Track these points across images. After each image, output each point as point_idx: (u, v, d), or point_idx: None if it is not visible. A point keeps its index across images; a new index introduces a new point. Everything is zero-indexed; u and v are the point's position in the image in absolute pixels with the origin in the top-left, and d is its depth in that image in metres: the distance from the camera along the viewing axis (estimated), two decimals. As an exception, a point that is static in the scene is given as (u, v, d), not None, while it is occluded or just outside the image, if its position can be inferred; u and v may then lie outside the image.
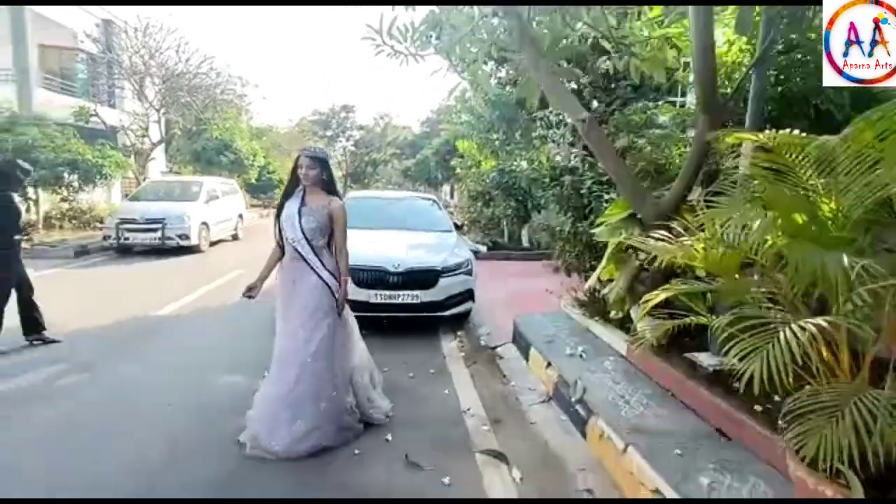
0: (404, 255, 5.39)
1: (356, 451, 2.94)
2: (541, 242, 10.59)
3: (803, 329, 1.35)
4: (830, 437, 1.35)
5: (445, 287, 5.33)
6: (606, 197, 4.59)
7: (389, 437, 3.12)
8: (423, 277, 5.25)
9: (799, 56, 4.08)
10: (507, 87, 9.70)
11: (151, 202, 10.93)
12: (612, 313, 4.05)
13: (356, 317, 5.23)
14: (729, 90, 4.12)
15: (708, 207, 1.96)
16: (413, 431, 3.20)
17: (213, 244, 11.68)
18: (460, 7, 4.29)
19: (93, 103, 15.01)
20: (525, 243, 11.15)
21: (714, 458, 2.53)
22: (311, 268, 3.07)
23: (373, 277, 5.16)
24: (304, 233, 3.05)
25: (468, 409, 3.59)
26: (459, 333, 5.39)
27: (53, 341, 4.59)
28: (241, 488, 2.55)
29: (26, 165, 4.51)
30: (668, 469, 2.42)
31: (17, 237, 4.34)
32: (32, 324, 4.50)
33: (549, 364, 3.99)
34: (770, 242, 1.58)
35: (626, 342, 4.02)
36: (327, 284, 3.08)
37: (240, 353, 4.56)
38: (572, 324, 4.96)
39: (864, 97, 3.70)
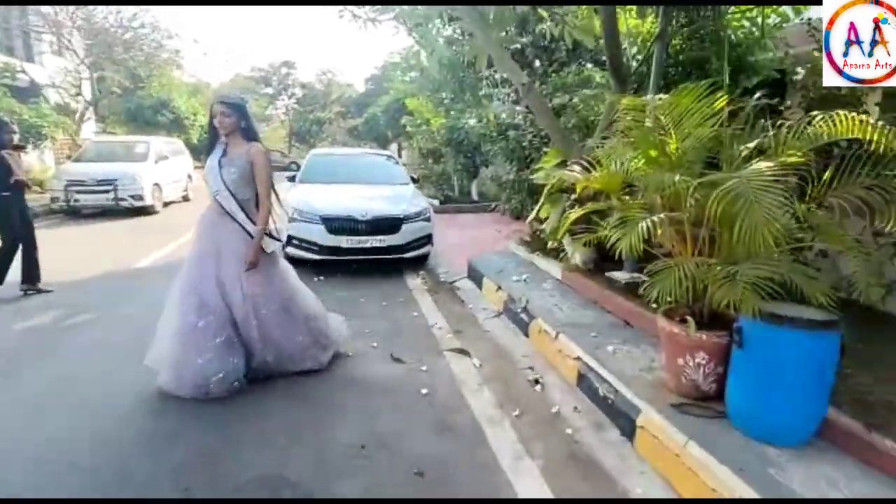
0: (370, 205, 6.02)
1: (349, 354, 3.67)
2: (488, 195, 11.44)
3: (654, 221, 2.21)
4: (667, 283, 2.23)
5: (408, 232, 6.04)
6: (545, 149, 5.39)
7: (375, 344, 3.87)
8: (389, 224, 5.92)
9: (698, 29, 4.94)
10: (454, 47, 10.18)
11: (99, 163, 10.75)
12: (549, 244, 4.93)
13: (331, 261, 5.90)
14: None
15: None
16: (393, 340, 3.97)
17: (165, 205, 11.69)
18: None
19: (14, 59, 14.06)
20: (475, 196, 11.95)
21: (619, 337, 3.49)
22: (239, 224, 2.99)
23: (344, 225, 5.78)
24: (226, 185, 2.96)
25: (435, 324, 4.40)
26: (421, 273, 6.16)
27: (46, 291, 4.95)
28: (256, 389, 3.20)
29: (13, 126, 4.73)
30: (586, 344, 3.34)
31: (5, 193, 4.61)
32: (30, 274, 4.84)
33: (499, 288, 4.85)
34: (635, 168, 2.42)
35: (561, 268, 4.95)
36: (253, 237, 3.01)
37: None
38: (518, 259, 5.85)
39: (746, 68, 4.64)
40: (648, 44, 4.61)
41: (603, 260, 4.83)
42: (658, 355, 3.10)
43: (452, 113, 11.87)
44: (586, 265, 4.83)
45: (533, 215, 4.91)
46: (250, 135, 3.06)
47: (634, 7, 4.80)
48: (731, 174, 2.05)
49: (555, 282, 4.92)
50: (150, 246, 7.19)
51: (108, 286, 5.37)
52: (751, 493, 1.93)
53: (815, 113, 2.31)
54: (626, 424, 2.63)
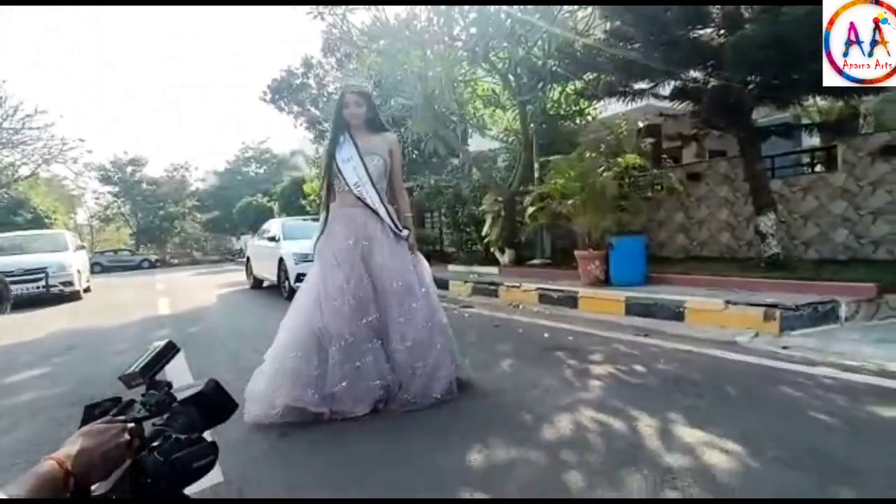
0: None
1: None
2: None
3: (573, 202, 5.40)
4: (581, 227, 5.39)
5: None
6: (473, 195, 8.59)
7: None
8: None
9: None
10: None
11: (23, 255, 10.90)
12: (490, 251, 7.97)
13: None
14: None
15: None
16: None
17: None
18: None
19: None
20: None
21: (548, 283, 6.54)
22: (381, 216, 2.77)
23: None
24: (370, 176, 2.75)
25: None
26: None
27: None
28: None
29: None
30: (537, 285, 6.31)
31: None
32: None
33: (465, 282, 7.63)
34: (560, 185, 5.69)
35: (498, 267, 7.98)
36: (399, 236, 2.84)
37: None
38: (459, 272, 8.73)
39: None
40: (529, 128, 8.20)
41: (519, 259, 8.03)
42: (566, 283, 6.22)
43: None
44: (511, 262, 7.96)
45: (486, 229, 7.89)
46: (378, 125, 2.93)
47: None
48: (598, 180, 5.36)
49: (495, 275, 7.91)
50: (132, 314, 8.27)
51: (173, 322, 6.71)
52: (621, 296, 5.01)
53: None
54: (571, 302, 5.60)
